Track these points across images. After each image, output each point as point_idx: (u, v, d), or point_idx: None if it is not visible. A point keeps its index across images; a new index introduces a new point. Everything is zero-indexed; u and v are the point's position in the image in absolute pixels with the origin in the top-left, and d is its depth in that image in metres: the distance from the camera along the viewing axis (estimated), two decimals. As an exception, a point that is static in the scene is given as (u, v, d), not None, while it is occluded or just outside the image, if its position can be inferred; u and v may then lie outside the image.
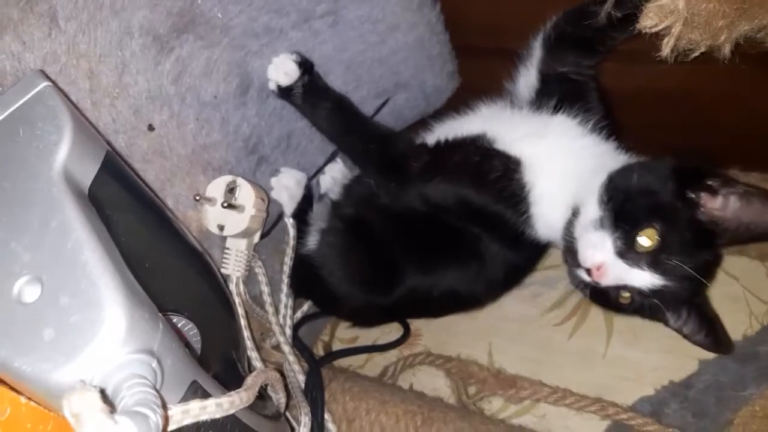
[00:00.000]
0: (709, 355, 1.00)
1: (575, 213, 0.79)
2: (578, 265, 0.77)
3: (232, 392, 0.56)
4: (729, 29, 0.68)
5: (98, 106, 0.73)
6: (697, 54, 0.71)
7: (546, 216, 0.85)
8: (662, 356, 1.06)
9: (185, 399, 0.51)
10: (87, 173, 0.55)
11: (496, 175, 0.84)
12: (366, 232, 0.97)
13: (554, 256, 1.20)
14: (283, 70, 0.90)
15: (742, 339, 0.99)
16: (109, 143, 0.71)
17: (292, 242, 1.04)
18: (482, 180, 0.85)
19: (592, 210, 0.77)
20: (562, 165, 0.84)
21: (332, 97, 0.94)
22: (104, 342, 0.44)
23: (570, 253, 0.79)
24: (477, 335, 1.18)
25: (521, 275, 1.03)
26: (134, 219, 0.62)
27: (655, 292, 0.74)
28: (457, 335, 1.19)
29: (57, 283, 0.46)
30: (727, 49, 0.69)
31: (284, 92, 0.92)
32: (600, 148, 0.86)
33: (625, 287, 0.76)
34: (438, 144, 0.90)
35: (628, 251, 0.73)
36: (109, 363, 0.43)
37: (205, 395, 0.54)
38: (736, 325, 1.03)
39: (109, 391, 0.42)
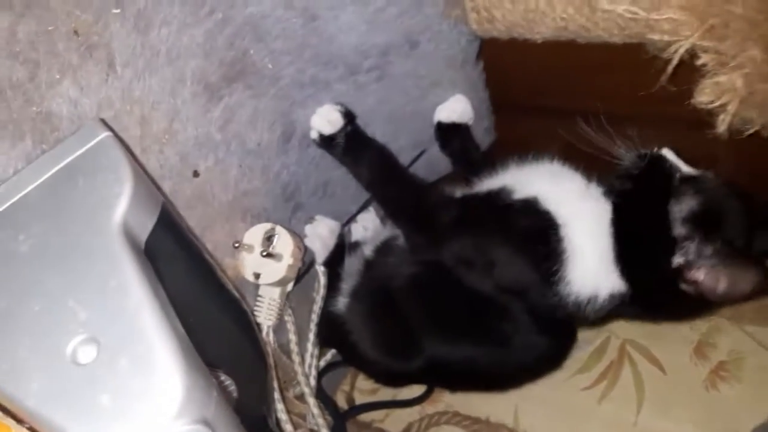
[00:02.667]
0: (745, 431, 0.97)
1: None
2: None
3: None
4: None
5: (147, 152, 0.73)
6: (752, 131, 0.71)
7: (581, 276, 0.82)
8: (695, 428, 1.03)
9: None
10: (145, 227, 0.54)
11: (525, 226, 0.83)
12: (392, 299, 0.95)
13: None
14: (326, 119, 0.90)
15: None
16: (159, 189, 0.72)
17: (322, 291, 1.03)
18: (509, 231, 0.84)
19: None
20: (596, 225, 0.82)
21: (373, 147, 0.94)
22: (161, 412, 0.43)
23: None
24: (502, 397, 1.15)
25: (551, 363, 0.98)
26: (183, 272, 0.61)
27: None
28: (482, 396, 1.17)
29: (114, 346, 0.45)
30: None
31: (326, 141, 0.92)
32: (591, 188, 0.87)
33: None
34: (466, 197, 0.90)
35: None
36: (167, 435, 0.42)
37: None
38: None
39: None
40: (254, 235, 0.87)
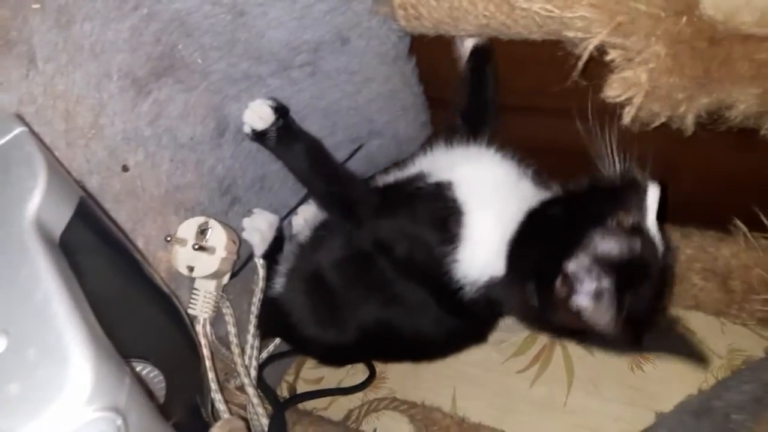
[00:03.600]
0: (667, 408, 1.02)
1: None
2: None
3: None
4: (689, 102, 0.71)
5: (73, 146, 0.73)
6: (657, 123, 0.74)
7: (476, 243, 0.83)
8: (621, 407, 1.09)
9: (149, 454, 0.50)
10: (59, 221, 0.55)
11: (429, 211, 0.85)
12: (324, 278, 0.99)
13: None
14: (258, 115, 0.91)
15: (698, 393, 1.02)
16: (81, 184, 0.72)
17: (261, 283, 1.04)
18: (413, 215, 0.87)
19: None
20: (491, 189, 0.85)
21: (304, 140, 0.96)
22: (70, 399, 0.44)
23: None
24: (441, 380, 1.19)
25: (468, 338, 1.03)
26: (104, 265, 0.62)
27: None
28: (423, 380, 1.20)
29: (24, 336, 0.46)
30: (689, 120, 0.73)
31: (258, 136, 0.93)
32: (521, 181, 0.88)
33: None
34: (387, 185, 0.94)
35: None
36: (75, 421, 0.43)
37: (169, 449, 0.53)
38: (692, 380, 1.07)
39: (72, 450, 0.42)
40: (187, 229, 0.88)
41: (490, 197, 0.83)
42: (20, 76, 0.66)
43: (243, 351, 1.04)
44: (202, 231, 0.89)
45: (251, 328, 1.06)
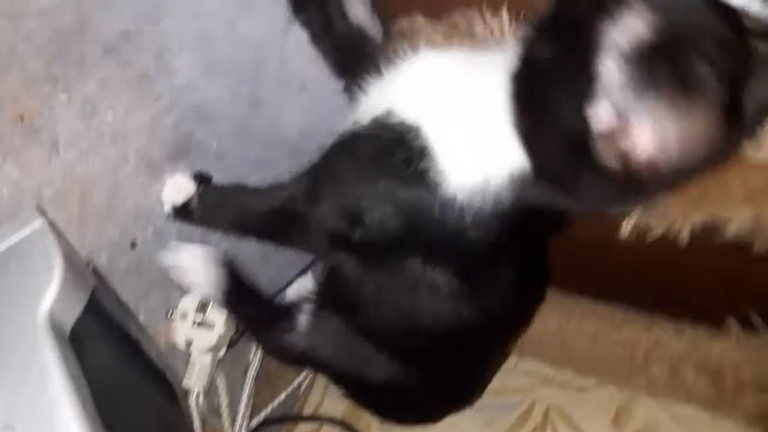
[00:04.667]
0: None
1: None
2: None
3: None
4: (684, 218, 0.74)
5: (85, 226, 0.75)
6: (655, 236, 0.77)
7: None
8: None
9: None
10: (71, 314, 0.57)
11: (375, 147, 0.69)
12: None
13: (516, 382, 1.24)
14: (177, 188, 0.84)
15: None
16: (91, 262, 0.74)
17: (260, 353, 1.05)
18: (361, 162, 0.71)
19: None
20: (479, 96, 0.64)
21: (228, 195, 0.87)
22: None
23: None
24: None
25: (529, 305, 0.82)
26: (109, 355, 0.64)
27: None
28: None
29: (30, 434, 0.47)
30: (684, 234, 0.76)
31: (181, 212, 0.85)
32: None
33: None
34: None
35: None
36: None
37: None
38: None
39: None
40: (188, 304, 0.90)
41: (446, 94, 0.65)
42: (42, 162, 0.69)
43: (234, 420, 1.05)
44: (203, 306, 0.91)
45: (244, 398, 1.07)
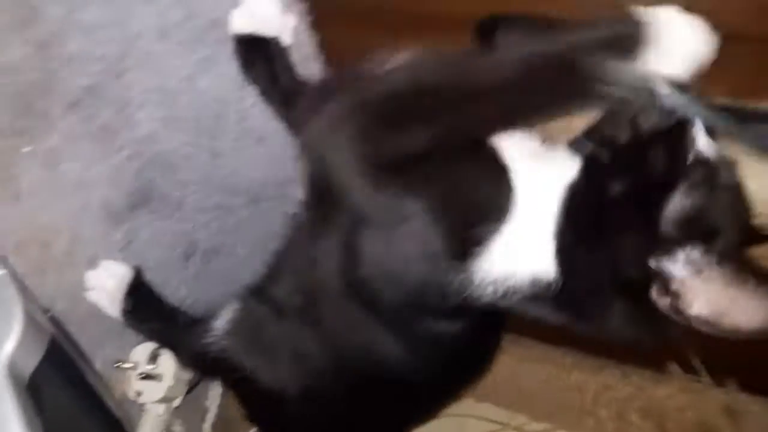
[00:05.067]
0: None
1: None
2: None
3: None
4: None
5: (45, 273, 0.76)
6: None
7: None
8: None
9: None
10: (30, 362, 0.58)
11: None
12: None
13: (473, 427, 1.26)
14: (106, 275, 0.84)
15: None
16: (49, 310, 0.75)
17: (218, 399, 1.06)
18: None
19: None
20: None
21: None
22: None
23: None
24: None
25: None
26: (66, 400, 0.65)
27: None
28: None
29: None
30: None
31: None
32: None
33: None
34: None
35: None
36: None
37: None
38: None
39: None
40: (140, 354, 0.90)
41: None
42: (5, 212, 0.70)
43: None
44: (154, 356, 0.91)
45: (202, 444, 1.07)
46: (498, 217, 0.58)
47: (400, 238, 0.60)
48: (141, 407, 0.94)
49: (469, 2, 0.68)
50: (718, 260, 0.52)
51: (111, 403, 0.77)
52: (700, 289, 0.52)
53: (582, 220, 0.58)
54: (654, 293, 0.54)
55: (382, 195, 0.58)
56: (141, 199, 0.86)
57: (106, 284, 0.84)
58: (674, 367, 1.06)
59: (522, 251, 0.59)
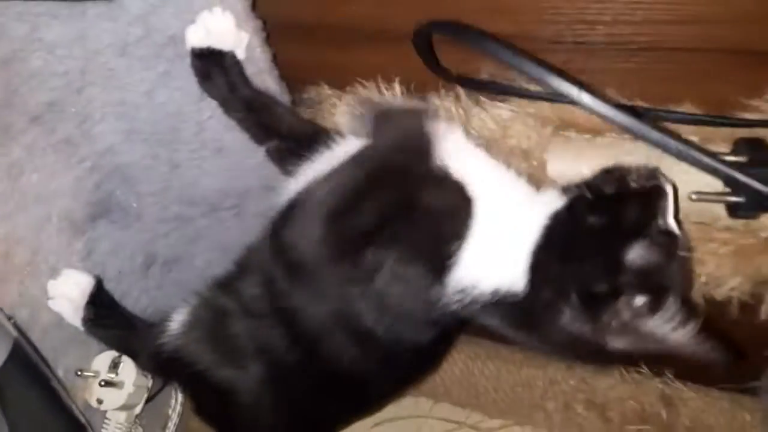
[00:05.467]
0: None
1: None
2: None
3: None
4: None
5: (7, 282, 0.79)
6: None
7: None
8: None
9: None
10: (-6, 365, 0.60)
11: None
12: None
13: (431, 427, 1.30)
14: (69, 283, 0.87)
15: None
16: (12, 318, 0.77)
17: (178, 408, 1.07)
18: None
19: None
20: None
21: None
22: None
23: None
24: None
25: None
26: (29, 401, 0.67)
27: None
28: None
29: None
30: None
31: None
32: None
33: None
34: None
35: None
36: None
37: None
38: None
39: None
40: (101, 362, 0.92)
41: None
42: (-33, 224, 0.72)
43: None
44: (116, 364, 0.93)
45: (165, 451, 1.08)
46: (462, 235, 0.67)
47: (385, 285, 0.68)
48: (103, 415, 0.95)
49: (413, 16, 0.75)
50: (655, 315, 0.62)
51: (75, 409, 0.80)
52: (628, 330, 0.63)
53: (558, 241, 0.67)
54: (621, 304, 0.64)
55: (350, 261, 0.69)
56: (101, 210, 0.89)
57: (68, 293, 0.87)
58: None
59: (491, 265, 0.68)
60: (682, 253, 0.66)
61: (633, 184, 0.67)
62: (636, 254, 0.64)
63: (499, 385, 1.19)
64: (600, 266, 0.65)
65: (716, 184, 0.68)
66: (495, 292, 0.68)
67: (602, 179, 0.69)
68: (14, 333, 0.66)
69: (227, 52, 0.80)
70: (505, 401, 1.20)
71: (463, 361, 1.21)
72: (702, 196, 0.66)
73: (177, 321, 0.84)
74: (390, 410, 1.33)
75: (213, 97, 0.83)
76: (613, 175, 0.68)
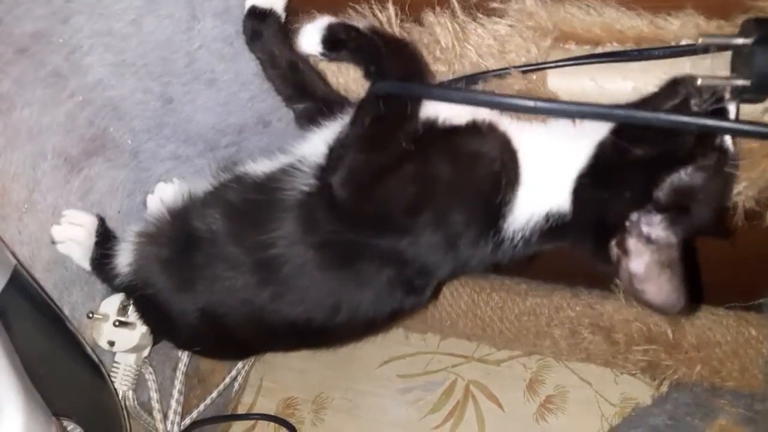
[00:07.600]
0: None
1: None
2: None
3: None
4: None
5: (6, 219, 0.78)
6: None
7: None
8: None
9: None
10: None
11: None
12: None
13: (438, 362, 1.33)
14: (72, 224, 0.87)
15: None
16: (13, 254, 0.77)
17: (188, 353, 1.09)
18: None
19: None
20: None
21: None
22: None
23: None
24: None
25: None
26: (35, 327, 0.67)
27: None
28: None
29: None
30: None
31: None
32: None
33: None
34: None
35: None
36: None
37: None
38: (589, 427, 1.17)
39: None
40: (110, 304, 0.93)
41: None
42: (-41, 157, 0.72)
43: (166, 416, 1.07)
44: (124, 307, 0.93)
45: (175, 394, 1.10)
46: (514, 180, 0.72)
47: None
48: (112, 358, 0.96)
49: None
50: (674, 239, 0.64)
51: (87, 347, 0.80)
52: (645, 254, 0.64)
53: (601, 169, 0.70)
54: (613, 241, 0.67)
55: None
56: (96, 147, 0.88)
57: (75, 236, 0.87)
58: (619, 284, 1.12)
59: (542, 194, 0.73)
60: (728, 170, 0.67)
61: (695, 108, 0.66)
62: (676, 181, 0.65)
63: (505, 315, 1.20)
64: (628, 199, 0.67)
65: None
66: (548, 215, 0.73)
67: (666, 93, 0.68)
68: (13, 260, 0.66)
69: (275, 11, 0.83)
70: (512, 331, 1.21)
71: (468, 294, 1.21)
72: (707, 81, 0.64)
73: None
74: (398, 347, 1.36)
75: (258, 55, 0.85)
76: (679, 91, 0.67)
